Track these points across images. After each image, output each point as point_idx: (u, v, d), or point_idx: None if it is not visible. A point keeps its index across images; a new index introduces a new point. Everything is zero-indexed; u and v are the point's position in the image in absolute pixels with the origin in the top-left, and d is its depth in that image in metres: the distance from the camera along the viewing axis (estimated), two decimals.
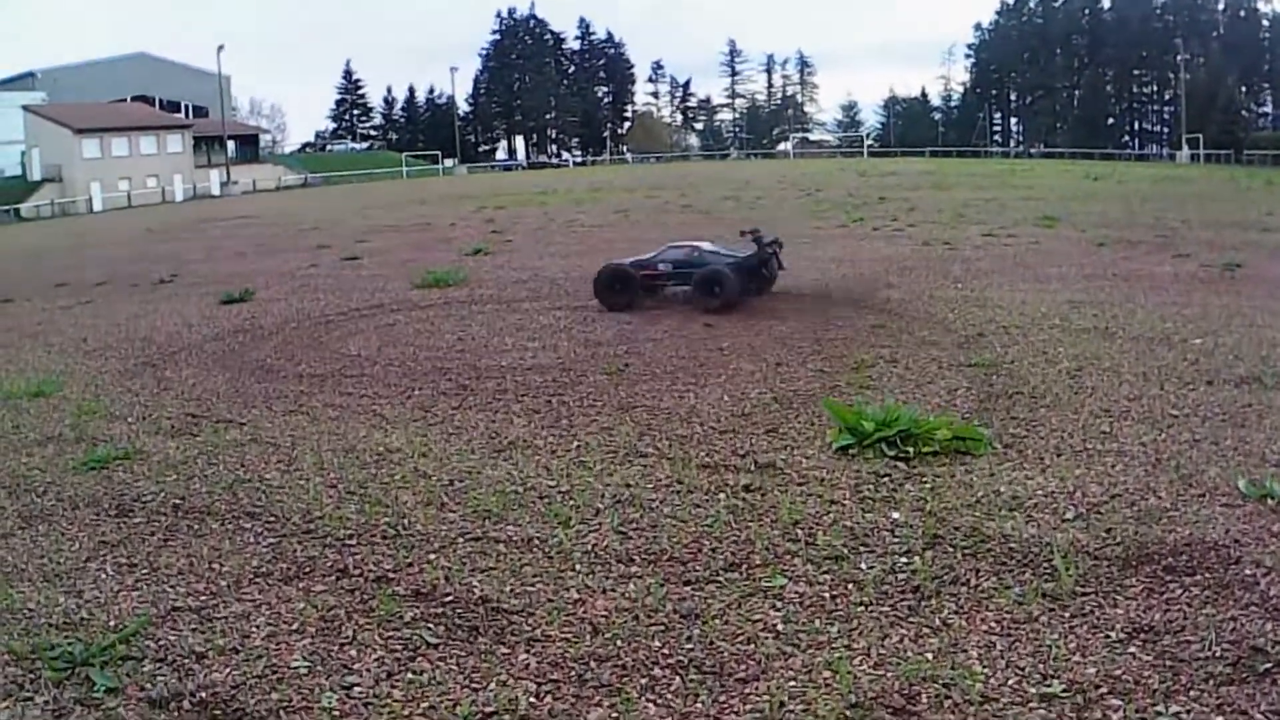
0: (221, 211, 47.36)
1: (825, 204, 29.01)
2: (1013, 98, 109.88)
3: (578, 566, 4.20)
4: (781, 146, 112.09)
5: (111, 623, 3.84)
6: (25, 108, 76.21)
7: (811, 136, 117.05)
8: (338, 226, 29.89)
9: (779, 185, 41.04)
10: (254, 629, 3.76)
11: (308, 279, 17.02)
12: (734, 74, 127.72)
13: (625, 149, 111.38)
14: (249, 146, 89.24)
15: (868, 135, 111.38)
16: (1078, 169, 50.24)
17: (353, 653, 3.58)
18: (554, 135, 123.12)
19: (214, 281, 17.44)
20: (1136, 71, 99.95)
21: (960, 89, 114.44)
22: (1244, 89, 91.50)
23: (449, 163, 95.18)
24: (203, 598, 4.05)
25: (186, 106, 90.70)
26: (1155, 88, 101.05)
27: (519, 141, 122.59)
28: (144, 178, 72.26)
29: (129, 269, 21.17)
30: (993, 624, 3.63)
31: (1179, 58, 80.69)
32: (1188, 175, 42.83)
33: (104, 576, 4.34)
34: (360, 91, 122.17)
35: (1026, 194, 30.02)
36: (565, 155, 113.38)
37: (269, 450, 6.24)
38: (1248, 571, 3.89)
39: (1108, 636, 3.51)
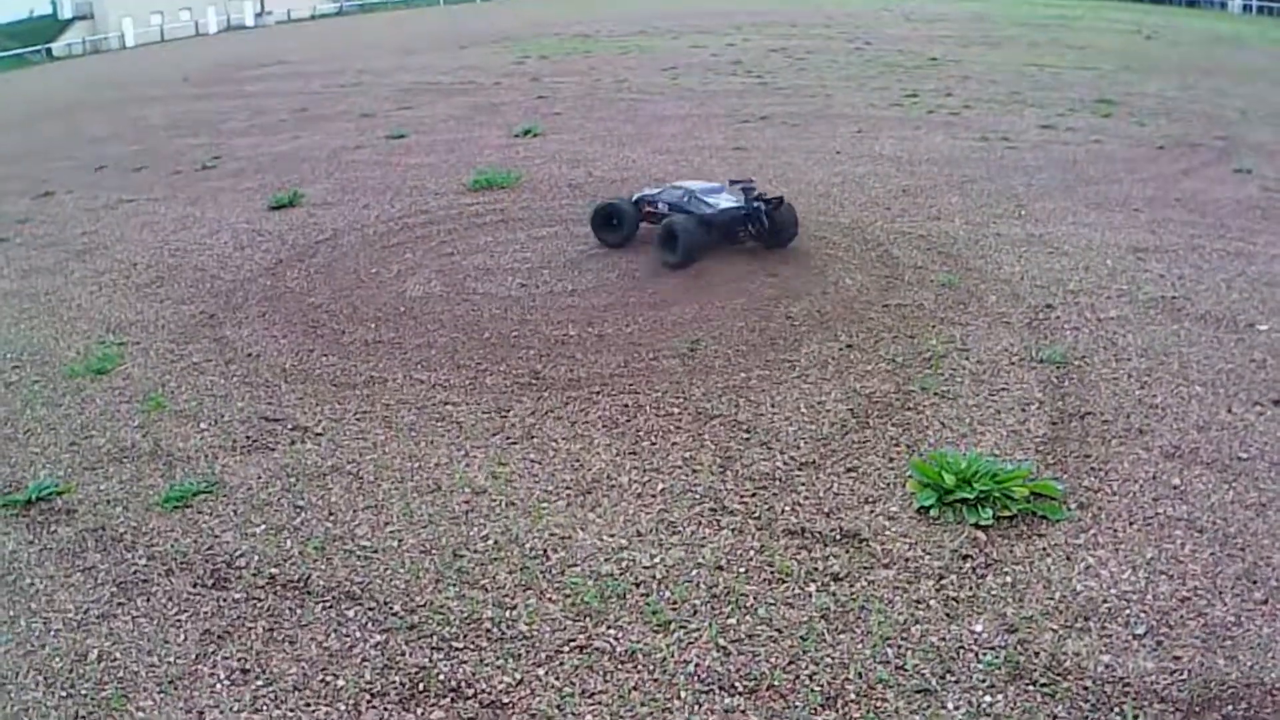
0: (256, 52, 46.67)
1: (876, 65, 28.25)
2: None
3: (683, 694, 4.36)
4: None
5: None
6: None
7: None
8: (379, 82, 29.55)
9: (825, 31, 39.88)
10: None
11: (355, 169, 16.99)
12: None
13: None
14: None
15: None
16: (1129, 18, 48.32)
17: None
18: None
19: (257, 168, 17.54)
20: None
21: None
22: None
23: None
24: None
25: None
26: None
27: None
28: (177, 10, 70.98)
29: (168, 144, 21.18)
30: None
31: None
32: (1242, 35, 41.06)
33: (219, 687, 4.50)
34: None
35: (1080, 59, 29.07)
36: None
37: (352, 485, 6.37)
38: None
39: None
